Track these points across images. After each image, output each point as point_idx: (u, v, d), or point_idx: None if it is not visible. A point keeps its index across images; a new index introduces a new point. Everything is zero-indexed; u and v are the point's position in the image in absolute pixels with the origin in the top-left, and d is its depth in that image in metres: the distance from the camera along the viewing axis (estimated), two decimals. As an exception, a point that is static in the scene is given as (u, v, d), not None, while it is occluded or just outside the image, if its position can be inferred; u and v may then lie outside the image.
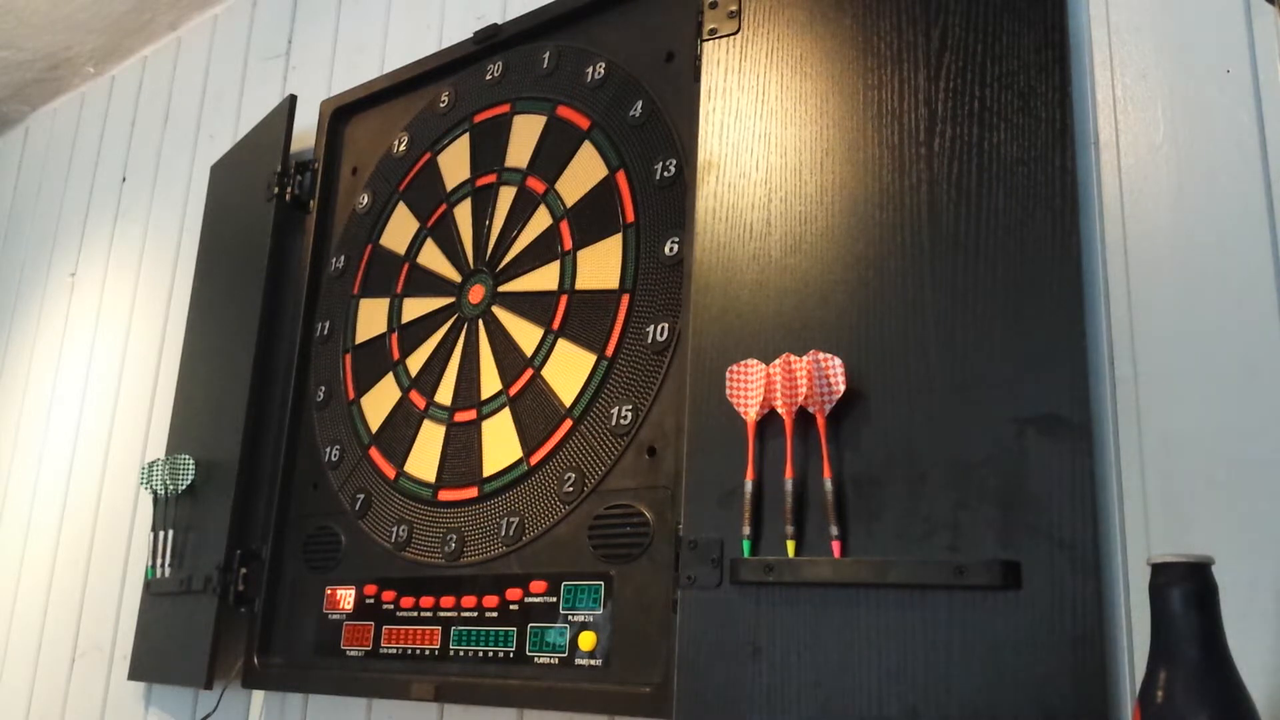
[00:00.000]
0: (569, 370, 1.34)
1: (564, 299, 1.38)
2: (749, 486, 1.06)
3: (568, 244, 1.40)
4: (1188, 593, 0.70)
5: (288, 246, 1.79)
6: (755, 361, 1.09)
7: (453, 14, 1.78)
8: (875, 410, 1.02)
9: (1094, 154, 1.02)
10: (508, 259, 1.48)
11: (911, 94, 1.10)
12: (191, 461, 1.77)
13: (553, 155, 1.47)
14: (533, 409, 1.37)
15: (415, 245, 1.62)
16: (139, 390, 2.13)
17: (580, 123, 1.45)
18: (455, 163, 1.60)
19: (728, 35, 1.25)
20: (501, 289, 1.47)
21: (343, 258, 1.72)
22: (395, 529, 1.47)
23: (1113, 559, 0.91)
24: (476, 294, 1.50)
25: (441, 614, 1.36)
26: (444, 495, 1.43)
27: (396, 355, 1.58)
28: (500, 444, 1.39)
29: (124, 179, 2.45)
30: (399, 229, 1.65)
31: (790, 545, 1.03)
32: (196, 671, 1.55)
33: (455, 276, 1.54)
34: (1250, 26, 0.96)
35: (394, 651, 1.40)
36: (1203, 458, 0.89)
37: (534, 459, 1.34)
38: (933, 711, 0.91)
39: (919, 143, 1.08)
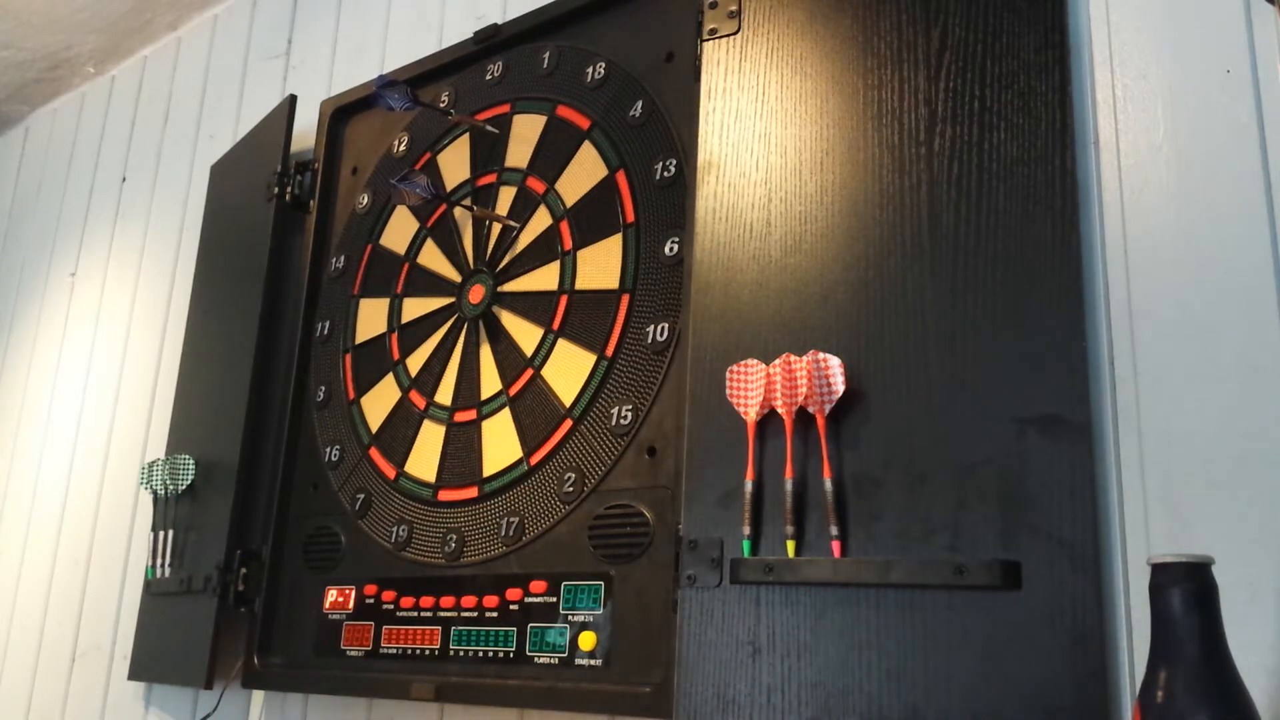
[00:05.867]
0: (569, 370, 1.34)
1: (564, 299, 1.38)
2: (749, 486, 1.06)
3: (568, 244, 1.40)
4: (1188, 593, 0.70)
5: (288, 246, 1.79)
6: (755, 361, 1.09)
7: (453, 14, 1.78)
8: (875, 410, 1.02)
9: (1094, 154, 1.02)
10: (508, 259, 1.48)
11: (911, 94, 1.09)
12: (191, 461, 1.77)
13: (553, 155, 1.47)
14: (533, 409, 1.37)
15: (415, 245, 1.61)
16: (139, 390, 2.13)
17: (580, 123, 1.45)
18: (455, 163, 1.60)
19: (728, 35, 1.25)
20: (501, 289, 1.47)
21: (343, 258, 1.72)
22: (395, 529, 1.47)
23: (1112, 559, 0.91)
24: (476, 294, 1.50)
25: (441, 614, 1.36)
26: (444, 495, 1.43)
27: (396, 355, 1.58)
28: (500, 444, 1.39)
29: (124, 179, 2.45)
30: (399, 229, 1.65)
31: (790, 545, 1.03)
32: (196, 671, 1.55)
33: (455, 276, 1.54)
34: (1250, 26, 0.96)
35: (394, 652, 1.40)
36: (1203, 458, 0.89)
37: (534, 459, 1.34)
38: (933, 711, 0.91)
39: (919, 143, 1.07)
